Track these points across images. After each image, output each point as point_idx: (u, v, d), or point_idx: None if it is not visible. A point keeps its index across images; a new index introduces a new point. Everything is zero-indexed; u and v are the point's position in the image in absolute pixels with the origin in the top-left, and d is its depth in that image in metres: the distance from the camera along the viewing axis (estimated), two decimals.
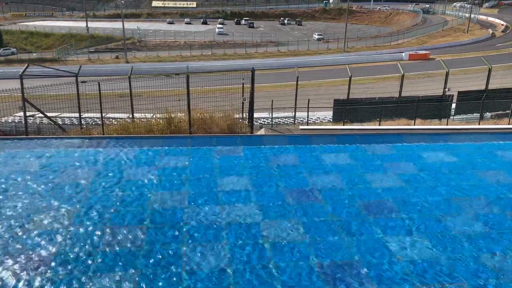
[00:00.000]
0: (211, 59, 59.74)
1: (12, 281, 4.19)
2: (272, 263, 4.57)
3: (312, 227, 5.27)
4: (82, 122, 16.06)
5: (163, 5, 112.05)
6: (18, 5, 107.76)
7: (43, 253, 4.61)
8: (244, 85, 13.82)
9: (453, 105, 21.97)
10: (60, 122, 16.61)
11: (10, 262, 4.46)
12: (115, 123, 14.49)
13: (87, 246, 4.74)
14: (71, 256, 4.57)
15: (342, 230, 5.21)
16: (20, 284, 4.16)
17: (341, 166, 7.18)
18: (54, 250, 4.66)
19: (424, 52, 58.32)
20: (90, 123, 16.96)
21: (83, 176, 6.44)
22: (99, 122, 14.89)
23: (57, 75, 16.73)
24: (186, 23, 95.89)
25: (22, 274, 4.29)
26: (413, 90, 25.51)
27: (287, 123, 21.55)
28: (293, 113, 21.38)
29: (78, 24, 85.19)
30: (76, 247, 4.71)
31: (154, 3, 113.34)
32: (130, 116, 15.07)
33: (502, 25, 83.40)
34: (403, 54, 57.43)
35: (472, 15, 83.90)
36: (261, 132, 13.18)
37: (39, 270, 4.35)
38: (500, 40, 70.00)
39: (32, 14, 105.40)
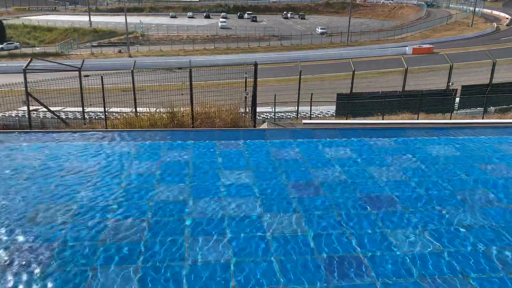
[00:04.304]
0: (214, 53, 59.54)
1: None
2: (274, 256, 4.59)
3: (312, 221, 5.29)
4: (85, 117, 16.09)
5: None
6: None
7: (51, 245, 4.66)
8: (247, 79, 13.81)
9: (457, 99, 21.87)
10: (63, 116, 16.64)
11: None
12: (119, 117, 14.50)
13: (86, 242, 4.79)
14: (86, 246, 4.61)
15: (342, 224, 5.23)
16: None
17: (343, 160, 7.18)
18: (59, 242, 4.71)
19: (427, 46, 57.92)
20: (93, 117, 16.98)
21: (88, 170, 6.48)
22: (102, 116, 14.91)
23: (60, 69, 16.75)
24: (189, 17, 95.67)
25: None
26: (417, 84, 25.40)
27: (290, 117, 21.51)
28: (296, 107, 21.34)
29: (81, 18, 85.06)
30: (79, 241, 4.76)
31: None
32: (133, 110, 15.08)
33: (507, 18, 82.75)
34: (407, 48, 57.09)
35: (477, 9, 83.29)
36: (264, 126, 13.17)
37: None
38: (505, 34, 69.45)
39: (35, 8, 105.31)
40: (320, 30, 75.19)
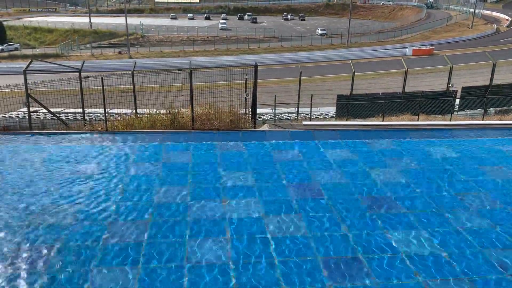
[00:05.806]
0: (214, 54, 59.57)
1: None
2: (275, 258, 4.59)
3: (312, 222, 5.28)
4: (86, 118, 16.08)
5: (166, 1, 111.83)
6: (22, 0, 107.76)
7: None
8: (247, 81, 13.81)
9: (457, 101, 21.87)
10: (63, 118, 16.64)
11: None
12: (119, 118, 14.49)
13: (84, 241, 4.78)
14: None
15: (342, 225, 5.22)
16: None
17: (344, 161, 7.17)
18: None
19: (428, 47, 57.91)
20: (94, 118, 16.98)
21: (88, 171, 6.48)
22: (103, 117, 14.90)
23: (60, 71, 16.73)
24: (189, 19, 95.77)
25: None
26: (417, 85, 25.39)
27: (290, 119, 21.51)
28: (296, 108, 21.34)
29: (81, 20, 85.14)
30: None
31: None
32: (134, 111, 15.07)
33: (507, 20, 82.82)
34: (407, 49, 57.09)
35: (477, 10, 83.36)
36: (264, 127, 13.16)
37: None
38: (505, 36, 69.46)
39: (36, 10, 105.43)
40: (320, 32, 75.24)
